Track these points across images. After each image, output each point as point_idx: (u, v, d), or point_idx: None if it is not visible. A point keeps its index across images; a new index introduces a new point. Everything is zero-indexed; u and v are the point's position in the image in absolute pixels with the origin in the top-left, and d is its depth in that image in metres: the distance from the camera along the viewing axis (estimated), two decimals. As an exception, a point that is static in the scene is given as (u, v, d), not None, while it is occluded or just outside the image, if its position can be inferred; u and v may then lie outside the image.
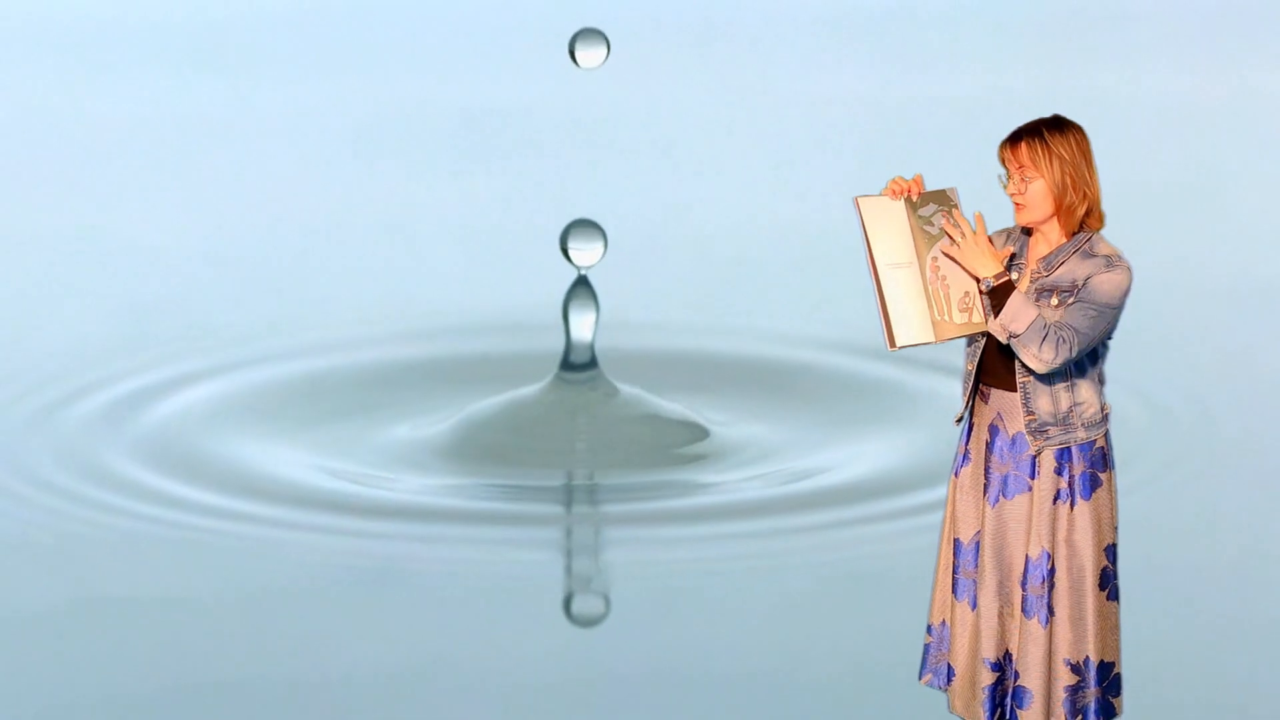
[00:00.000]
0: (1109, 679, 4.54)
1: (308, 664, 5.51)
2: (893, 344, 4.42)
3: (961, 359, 4.63)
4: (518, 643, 5.72)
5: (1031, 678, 4.50)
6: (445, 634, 5.74)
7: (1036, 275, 4.44)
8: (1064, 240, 4.46)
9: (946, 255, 4.40)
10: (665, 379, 7.96)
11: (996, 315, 4.36)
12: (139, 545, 6.38)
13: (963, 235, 4.38)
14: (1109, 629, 4.54)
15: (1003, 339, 4.37)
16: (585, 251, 7.05)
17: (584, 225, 7.02)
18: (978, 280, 4.40)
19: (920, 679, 4.74)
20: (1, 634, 5.72)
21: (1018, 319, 4.34)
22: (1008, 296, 4.35)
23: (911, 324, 4.40)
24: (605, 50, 6.64)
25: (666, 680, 5.47)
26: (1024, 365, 4.39)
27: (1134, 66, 15.33)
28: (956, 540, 4.60)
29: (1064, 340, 4.34)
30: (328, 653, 5.57)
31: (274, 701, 5.27)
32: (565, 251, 7.05)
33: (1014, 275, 4.49)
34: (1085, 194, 4.44)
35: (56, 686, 5.31)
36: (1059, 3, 17.24)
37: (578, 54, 6.50)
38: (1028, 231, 4.52)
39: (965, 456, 4.58)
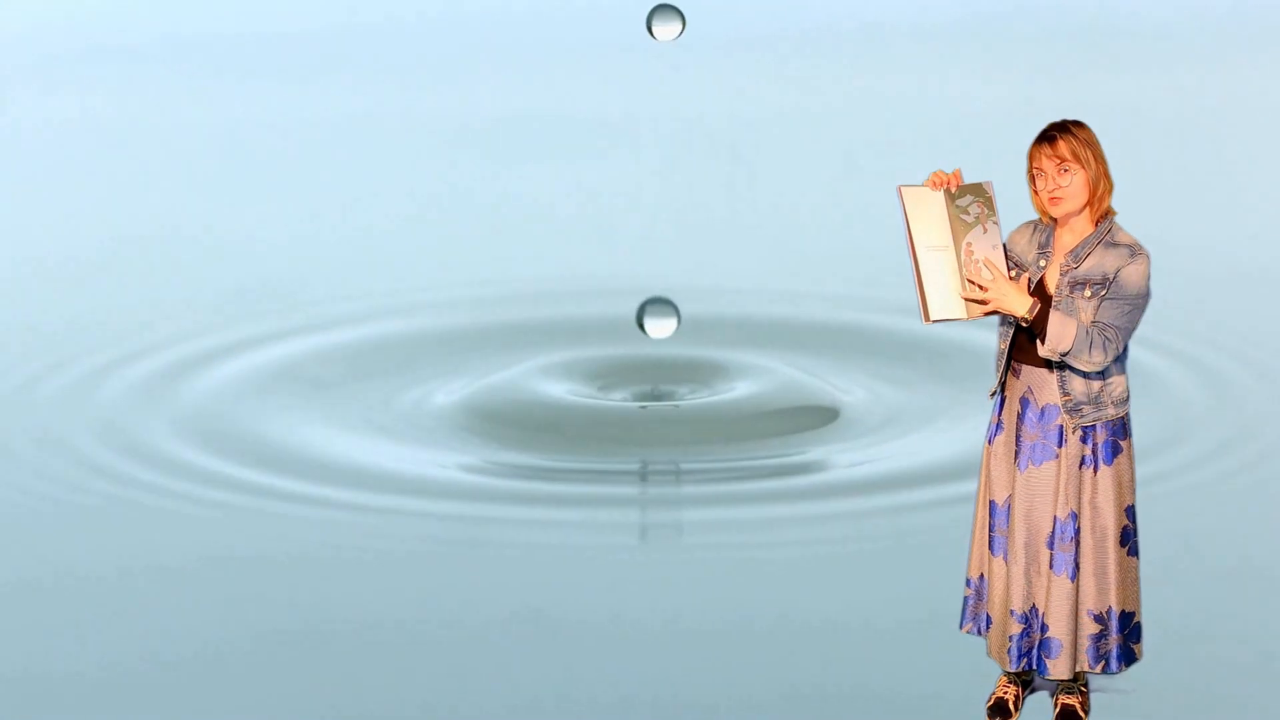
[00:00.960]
0: (1129, 627, 4.96)
1: (417, 614, 6.04)
2: (927, 318, 4.83)
3: (995, 337, 5.06)
4: (602, 596, 6.24)
5: (1060, 629, 4.90)
6: (537, 589, 6.27)
7: (1066, 268, 4.82)
8: (1089, 230, 4.85)
9: (981, 302, 4.79)
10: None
11: (1043, 342, 4.74)
12: (257, 519, 6.90)
13: (984, 288, 4.74)
14: (1129, 582, 4.95)
15: (1055, 359, 4.75)
16: (660, 325, 7.39)
17: (658, 303, 7.35)
18: (1015, 317, 4.77)
19: (961, 628, 5.17)
20: (150, 587, 6.31)
21: (1063, 338, 4.70)
22: (1046, 321, 4.73)
23: (945, 301, 4.80)
24: (681, 24, 6.91)
25: (737, 629, 5.95)
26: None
27: (1138, 75, 16.20)
28: (992, 502, 5.01)
29: (1109, 340, 4.73)
30: (433, 605, 6.12)
31: (390, 644, 5.81)
32: (641, 325, 7.38)
33: (1041, 263, 4.90)
34: (1111, 184, 4.86)
35: (201, 635, 5.88)
36: (1065, 19, 18.17)
37: (654, 28, 6.79)
38: (1052, 223, 4.94)
39: (999, 426, 4.99)
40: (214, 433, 7.68)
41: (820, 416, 7.94)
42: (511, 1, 18.76)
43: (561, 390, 8.14)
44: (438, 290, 10.10)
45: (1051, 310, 4.74)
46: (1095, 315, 4.76)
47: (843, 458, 7.51)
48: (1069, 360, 4.75)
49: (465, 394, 8.13)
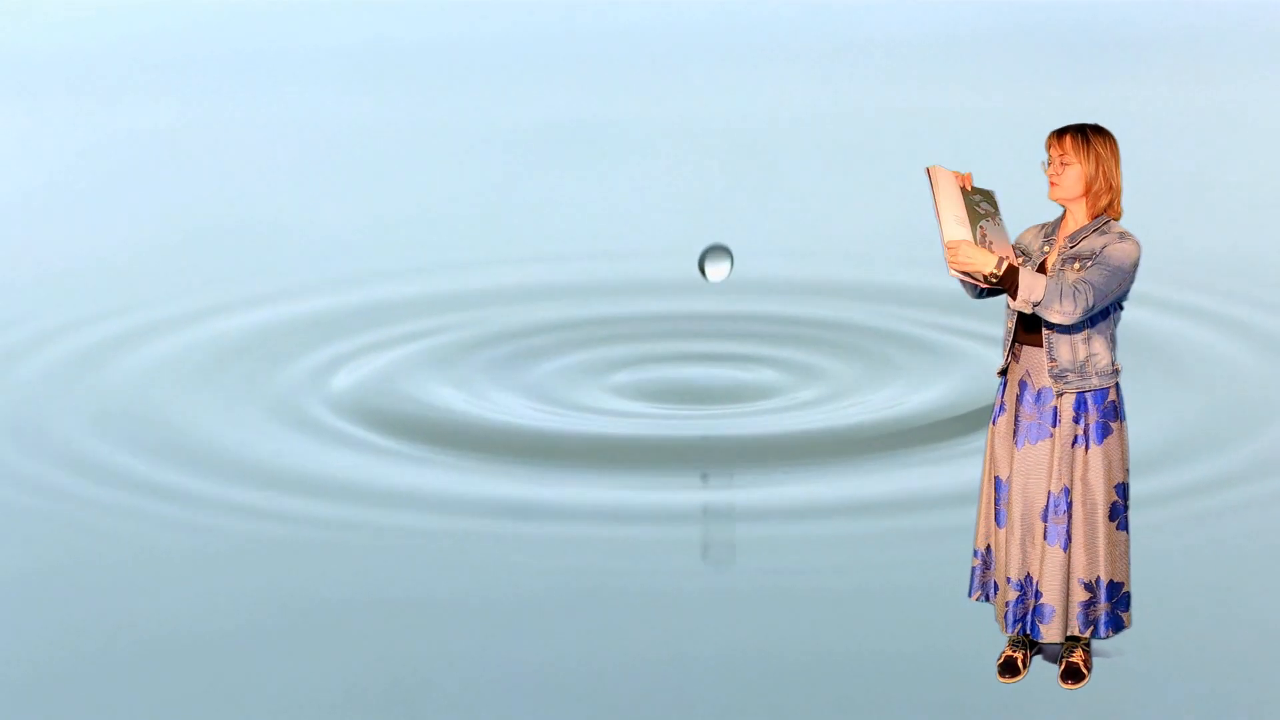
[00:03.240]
0: (1118, 596, 5.33)
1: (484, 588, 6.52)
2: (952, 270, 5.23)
3: (1002, 321, 5.45)
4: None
5: (1052, 596, 5.30)
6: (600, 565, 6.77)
7: (1064, 250, 5.21)
8: (1087, 221, 5.24)
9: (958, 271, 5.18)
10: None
11: (1013, 298, 5.11)
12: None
13: (954, 250, 5.11)
14: (1118, 554, 5.32)
15: (1028, 310, 5.11)
16: (718, 269, 7.57)
17: (715, 249, 7.59)
18: (984, 274, 5.11)
19: (971, 596, 5.57)
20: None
21: (1034, 289, 5.07)
22: (1016, 278, 5.10)
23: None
24: (730, 266, 7.37)
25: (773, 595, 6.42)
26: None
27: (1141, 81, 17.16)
28: (996, 478, 5.41)
29: (1080, 292, 5.07)
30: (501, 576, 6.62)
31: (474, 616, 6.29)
32: (701, 269, 7.57)
33: (1045, 249, 5.27)
34: (1110, 186, 5.22)
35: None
36: (1076, 33, 19.12)
37: (707, 269, 7.25)
38: (1058, 223, 5.32)
39: (1001, 407, 5.39)
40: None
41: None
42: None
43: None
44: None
45: (1021, 268, 5.10)
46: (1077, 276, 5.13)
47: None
48: (1041, 311, 5.07)
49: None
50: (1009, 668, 5.51)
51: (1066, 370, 5.22)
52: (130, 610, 6.25)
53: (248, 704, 5.52)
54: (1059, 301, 5.07)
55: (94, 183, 14.59)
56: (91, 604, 6.32)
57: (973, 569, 5.56)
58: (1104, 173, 5.21)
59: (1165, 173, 13.87)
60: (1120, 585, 5.34)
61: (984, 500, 5.49)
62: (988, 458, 5.46)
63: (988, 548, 5.50)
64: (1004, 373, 5.40)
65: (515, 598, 6.32)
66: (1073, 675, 5.44)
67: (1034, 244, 5.35)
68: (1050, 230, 5.34)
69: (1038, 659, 5.59)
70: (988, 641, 5.69)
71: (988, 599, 5.54)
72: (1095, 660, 5.54)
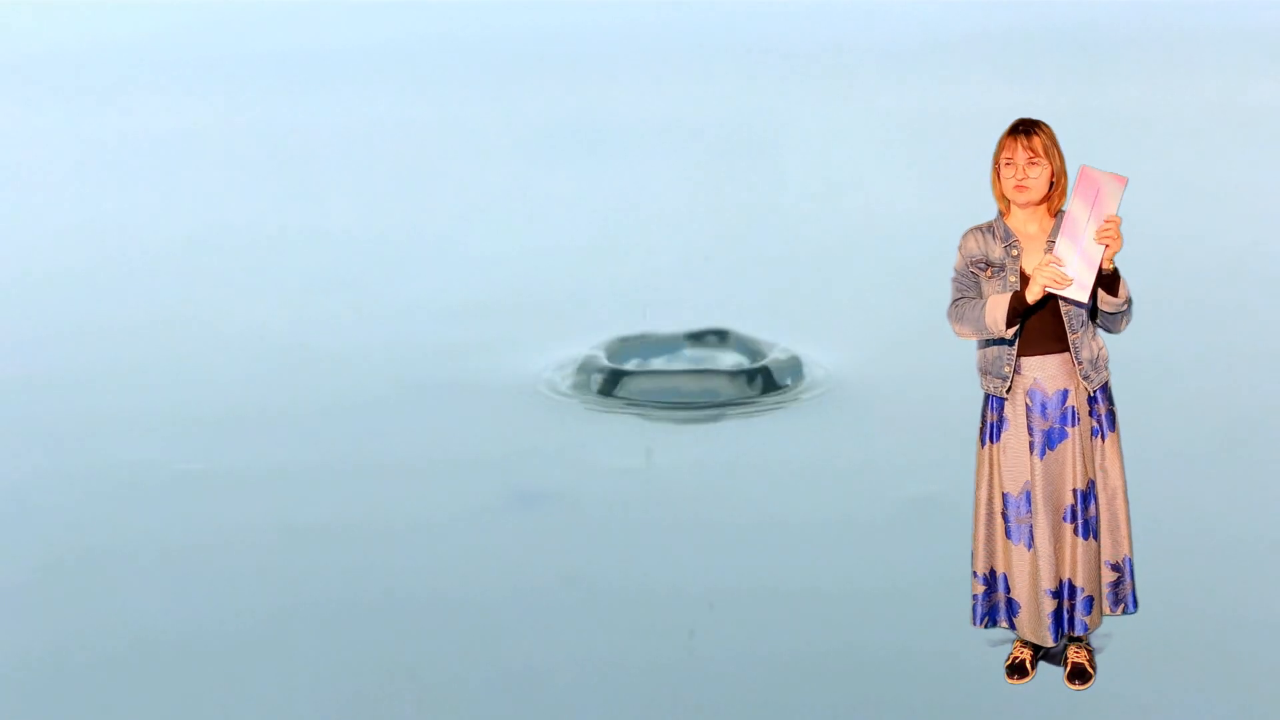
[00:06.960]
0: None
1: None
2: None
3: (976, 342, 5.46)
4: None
5: (1092, 586, 5.42)
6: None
7: (1049, 250, 5.25)
8: (1049, 220, 5.33)
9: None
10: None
11: (1115, 295, 5.24)
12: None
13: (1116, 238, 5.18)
14: (1129, 530, 5.49)
15: (1119, 309, 5.25)
16: None
17: None
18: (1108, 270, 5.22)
19: (978, 624, 5.53)
20: None
21: (1126, 293, 5.27)
22: (1118, 279, 5.24)
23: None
24: None
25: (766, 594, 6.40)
26: (1074, 325, 5.29)
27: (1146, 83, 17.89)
28: (1005, 494, 5.40)
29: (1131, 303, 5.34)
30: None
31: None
32: None
33: (1014, 252, 5.31)
34: (1066, 181, 5.35)
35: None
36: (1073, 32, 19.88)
37: None
38: (1004, 226, 5.37)
39: (1001, 423, 5.40)
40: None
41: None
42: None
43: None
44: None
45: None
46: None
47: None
48: (1125, 311, 5.27)
49: None
50: (1018, 669, 5.58)
51: (1089, 370, 5.34)
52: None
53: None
54: (1130, 315, 5.34)
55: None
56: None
57: (974, 596, 5.54)
58: (1064, 169, 5.32)
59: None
60: (1131, 559, 5.53)
61: (982, 522, 5.49)
62: (985, 478, 5.46)
63: (991, 570, 5.51)
64: (1007, 392, 5.38)
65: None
66: (1079, 675, 5.55)
67: (992, 249, 5.34)
68: (1002, 231, 5.35)
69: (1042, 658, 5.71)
70: (997, 643, 5.78)
71: (995, 624, 5.56)
72: (1099, 659, 5.69)
